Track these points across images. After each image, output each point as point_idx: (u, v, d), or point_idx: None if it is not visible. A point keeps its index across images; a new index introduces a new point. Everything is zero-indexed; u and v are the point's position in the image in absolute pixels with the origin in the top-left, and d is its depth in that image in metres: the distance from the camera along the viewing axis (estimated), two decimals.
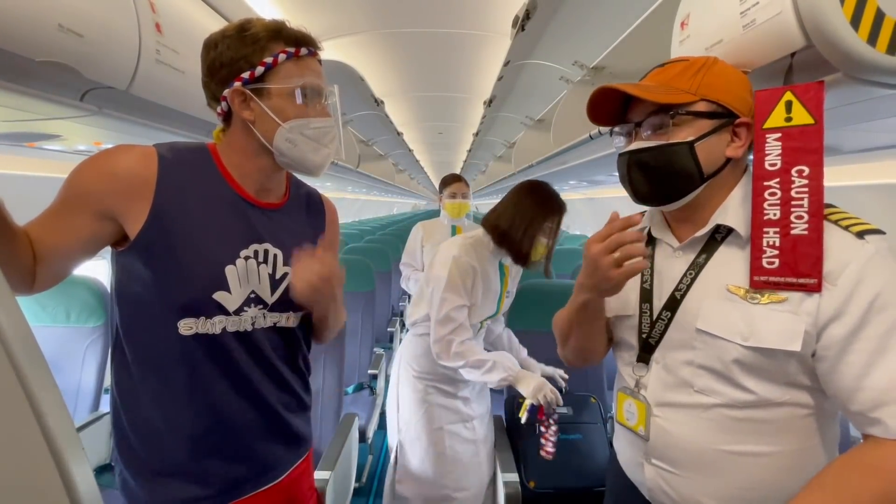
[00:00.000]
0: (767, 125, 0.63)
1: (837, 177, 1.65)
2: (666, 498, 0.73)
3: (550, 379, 1.49)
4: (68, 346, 1.61)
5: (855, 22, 0.55)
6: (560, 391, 1.80)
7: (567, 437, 1.58)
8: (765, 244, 0.63)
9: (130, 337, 0.73)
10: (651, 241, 0.79)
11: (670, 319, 0.71)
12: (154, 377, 0.73)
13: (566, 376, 1.57)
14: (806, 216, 0.60)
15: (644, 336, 0.75)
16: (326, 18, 2.00)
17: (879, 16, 0.54)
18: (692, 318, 0.68)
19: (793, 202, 0.61)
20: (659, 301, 0.73)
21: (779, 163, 0.62)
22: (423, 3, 1.93)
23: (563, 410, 1.67)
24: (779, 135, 0.62)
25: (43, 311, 1.62)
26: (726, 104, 0.66)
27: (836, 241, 0.60)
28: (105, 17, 0.81)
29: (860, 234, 0.60)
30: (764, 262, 0.63)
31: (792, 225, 0.61)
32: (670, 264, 0.74)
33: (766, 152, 0.63)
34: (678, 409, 0.71)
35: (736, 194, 0.69)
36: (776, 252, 0.62)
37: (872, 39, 0.55)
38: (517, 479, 1.38)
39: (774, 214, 0.62)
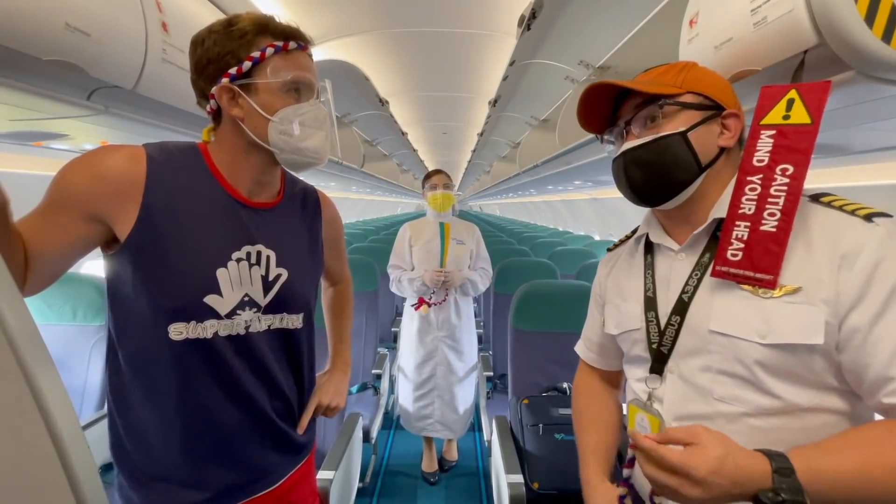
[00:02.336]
0: (765, 121, 0.63)
1: (846, 177, 1.63)
2: None
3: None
4: (74, 345, 1.62)
5: (869, 19, 0.54)
6: (564, 392, 1.81)
7: (571, 437, 1.57)
8: (734, 237, 0.63)
9: (122, 341, 0.71)
10: (649, 247, 0.77)
11: (680, 324, 0.68)
12: (145, 382, 0.71)
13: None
14: (778, 213, 0.60)
15: (654, 346, 0.71)
16: (332, 18, 2.00)
17: (895, 13, 0.54)
18: (703, 319, 0.66)
19: (769, 199, 0.61)
20: (666, 307, 0.71)
21: (766, 159, 0.62)
22: (429, 2, 1.92)
23: (567, 412, 1.67)
24: (773, 132, 0.62)
25: (49, 310, 1.63)
26: (712, 97, 0.66)
27: (844, 227, 0.58)
28: (112, 16, 0.81)
29: (868, 217, 0.58)
30: (728, 253, 0.63)
31: (763, 221, 0.61)
32: (674, 268, 0.72)
33: (757, 148, 0.63)
34: (699, 422, 0.65)
35: (730, 188, 0.68)
36: (741, 245, 0.62)
37: (887, 37, 0.54)
38: (521, 480, 1.37)
39: (749, 209, 0.62)
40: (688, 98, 0.66)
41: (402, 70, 2.74)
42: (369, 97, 2.76)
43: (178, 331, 0.69)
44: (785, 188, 0.60)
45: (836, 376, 0.59)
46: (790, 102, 0.61)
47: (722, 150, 0.67)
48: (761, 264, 0.60)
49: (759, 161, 0.62)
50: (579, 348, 0.96)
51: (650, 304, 0.73)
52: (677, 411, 0.68)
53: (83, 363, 1.62)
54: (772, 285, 0.59)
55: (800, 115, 0.61)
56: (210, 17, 1.21)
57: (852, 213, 0.59)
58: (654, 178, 0.68)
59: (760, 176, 0.62)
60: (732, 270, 0.62)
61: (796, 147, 0.60)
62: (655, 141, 0.67)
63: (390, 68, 2.65)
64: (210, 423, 0.73)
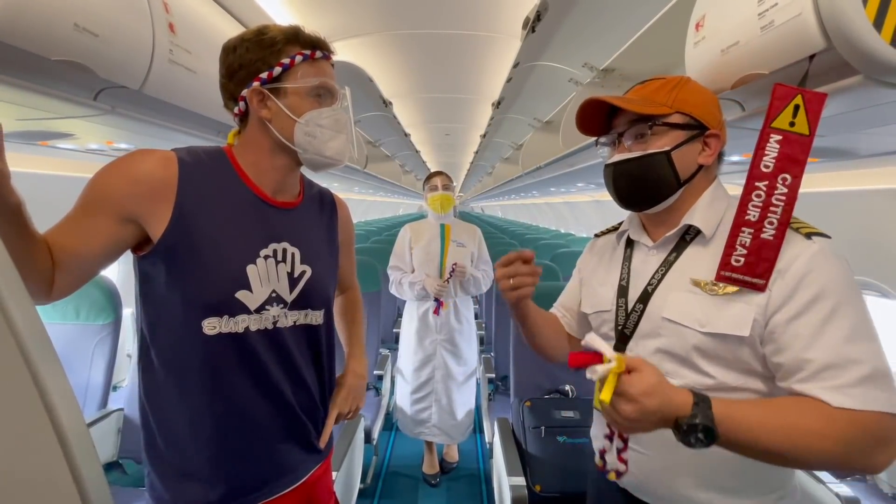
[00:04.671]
0: (775, 124, 0.65)
1: (852, 181, 1.62)
2: (632, 477, 0.80)
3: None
4: (77, 344, 1.63)
5: (878, 23, 0.54)
6: (566, 395, 1.80)
7: (574, 440, 1.57)
8: (738, 242, 0.67)
9: (156, 339, 0.74)
10: (630, 243, 0.86)
11: (643, 311, 0.77)
12: (179, 378, 0.74)
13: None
14: (776, 223, 0.65)
15: (620, 328, 0.81)
16: (336, 19, 2.01)
17: None
18: (660, 308, 0.75)
19: (770, 207, 0.66)
20: (634, 295, 0.80)
21: (772, 166, 0.66)
22: (433, 4, 1.93)
23: (570, 414, 1.67)
24: (780, 137, 0.65)
25: (53, 309, 1.64)
26: (698, 117, 0.72)
27: (788, 242, 0.66)
28: (120, 16, 0.81)
29: (808, 235, 0.66)
30: (733, 259, 0.67)
31: (763, 229, 0.66)
32: (645, 263, 0.80)
33: (766, 152, 0.66)
34: None
35: (704, 198, 0.75)
36: (745, 252, 0.67)
37: None
38: (524, 483, 1.37)
39: (754, 216, 0.67)
40: (676, 118, 0.73)
41: (406, 72, 2.74)
42: (373, 98, 2.77)
43: (212, 325, 0.72)
44: (784, 198, 0.65)
45: (760, 363, 0.68)
46: (796, 109, 0.63)
47: (700, 166, 0.74)
48: (757, 270, 0.66)
49: (765, 167, 0.66)
50: (555, 309, 1.03)
51: (622, 291, 0.82)
52: None
53: (86, 362, 1.63)
54: (762, 289, 0.65)
55: (801, 125, 0.63)
56: (216, 18, 1.21)
57: (797, 230, 0.67)
58: (637, 190, 0.77)
59: (766, 183, 0.66)
60: (735, 275, 0.67)
61: (796, 157, 0.64)
62: (643, 157, 0.74)
63: (394, 70, 2.65)
64: (241, 418, 0.76)
